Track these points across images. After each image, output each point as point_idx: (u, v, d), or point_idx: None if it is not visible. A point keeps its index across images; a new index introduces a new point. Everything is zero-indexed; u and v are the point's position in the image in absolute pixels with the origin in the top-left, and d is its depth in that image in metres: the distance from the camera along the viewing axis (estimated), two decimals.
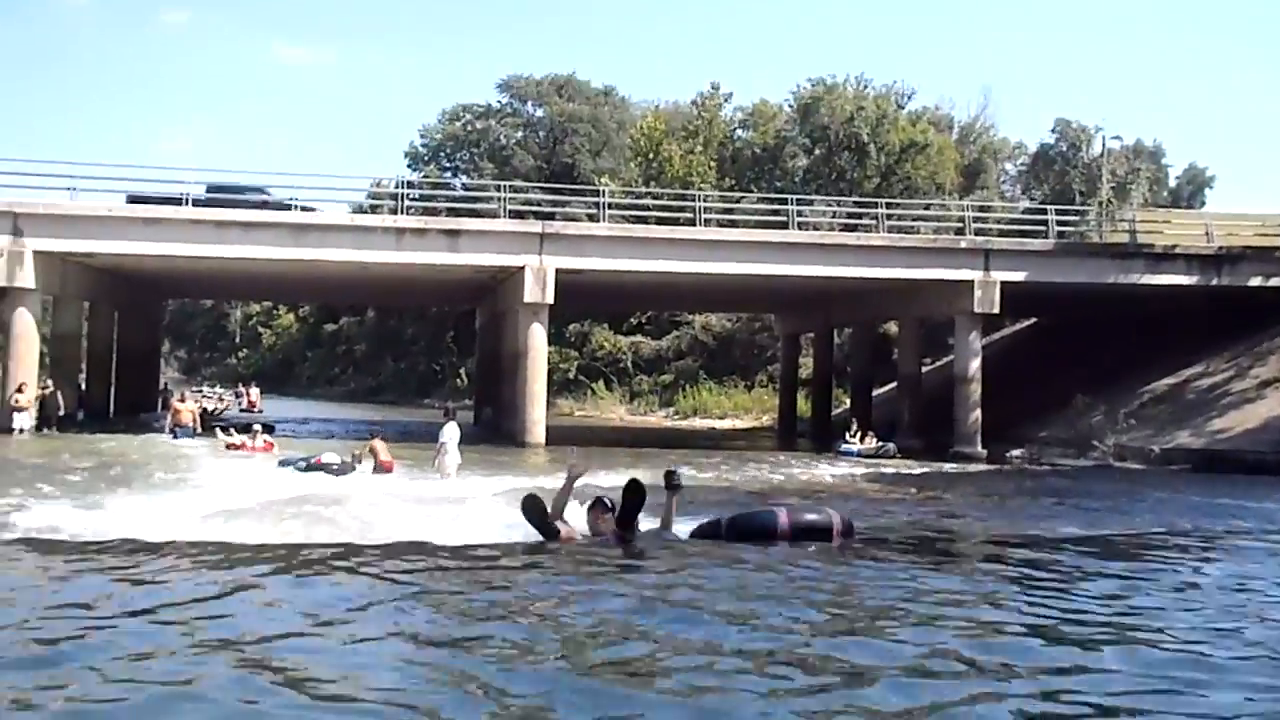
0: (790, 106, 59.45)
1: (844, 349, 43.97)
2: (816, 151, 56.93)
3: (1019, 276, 30.53)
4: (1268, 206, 64.16)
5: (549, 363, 32.24)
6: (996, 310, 30.89)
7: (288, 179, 46.19)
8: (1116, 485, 22.58)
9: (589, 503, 11.09)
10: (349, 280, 36.83)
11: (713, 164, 59.00)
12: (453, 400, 47.18)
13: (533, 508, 10.99)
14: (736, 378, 52.72)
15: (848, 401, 39.56)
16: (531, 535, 11.15)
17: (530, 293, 28.91)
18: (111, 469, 19.20)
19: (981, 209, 37.43)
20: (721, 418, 48.38)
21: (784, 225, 32.48)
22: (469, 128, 77.84)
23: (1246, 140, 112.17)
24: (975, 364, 30.79)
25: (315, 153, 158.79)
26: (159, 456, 22.55)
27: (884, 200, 36.86)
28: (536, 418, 29.38)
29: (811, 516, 11.19)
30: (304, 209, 30.31)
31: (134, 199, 29.53)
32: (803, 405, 42.90)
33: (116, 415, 35.73)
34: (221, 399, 45.81)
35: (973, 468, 26.78)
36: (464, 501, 15.11)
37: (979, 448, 29.80)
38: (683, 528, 11.39)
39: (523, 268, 28.97)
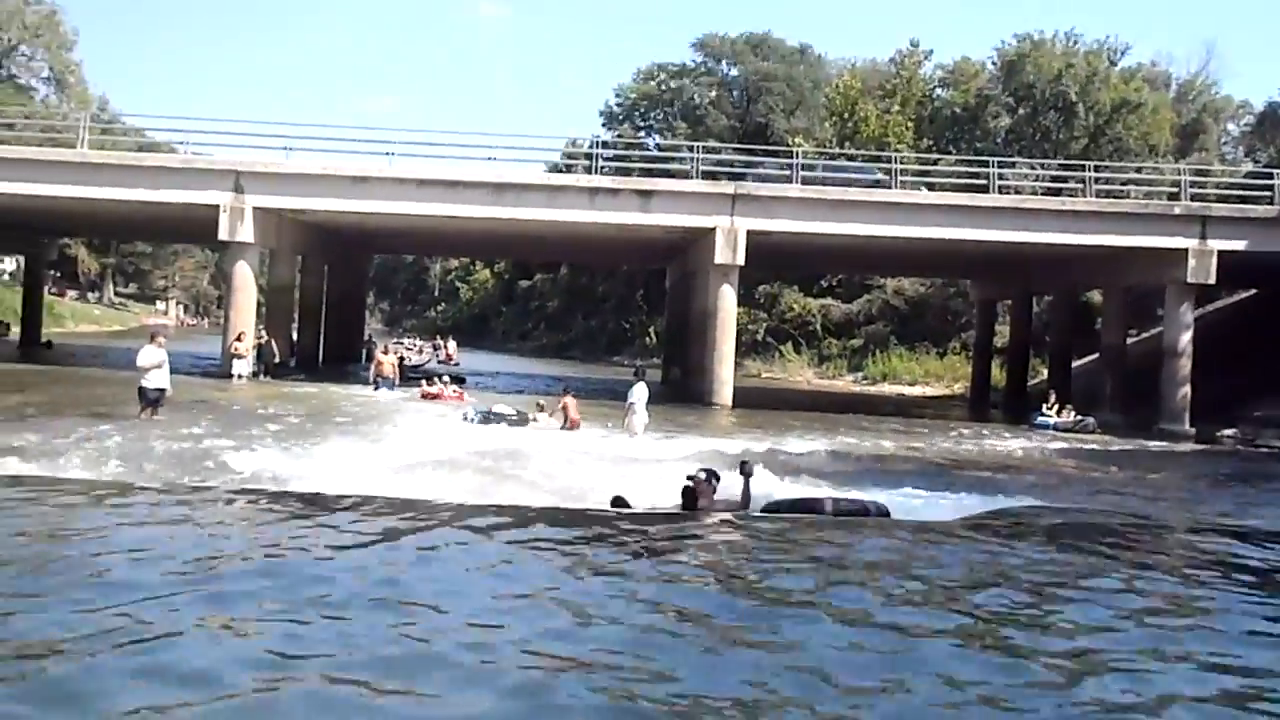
0: (993, 64, 57.44)
1: (1043, 317, 42.33)
2: (1020, 111, 54.90)
3: (1239, 245, 28.69)
4: None
5: (738, 324, 32.19)
6: (1212, 281, 29.13)
7: (486, 139, 47.33)
8: None
9: (696, 474, 11.37)
10: (543, 238, 37.58)
11: (910, 124, 57.54)
12: (641, 359, 47.78)
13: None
14: (928, 344, 51.45)
15: (1044, 372, 38.16)
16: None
17: (721, 254, 28.92)
18: (318, 417, 20.28)
19: (1199, 173, 35.28)
20: (911, 384, 47.44)
21: (984, 188, 31.41)
22: (663, 87, 78.05)
23: None
24: (1186, 337, 29.19)
25: (513, 111, 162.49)
26: (361, 407, 23.67)
27: (1092, 163, 35.17)
28: (724, 378, 29.46)
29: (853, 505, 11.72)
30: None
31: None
32: (997, 375, 41.58)
33: (325, 364, 37.60)
34: (421, 351, 47.57)
35: (1180, 447, 25.46)
36: (649, 463, 15.32)
37: (1187, 426, 28.32)
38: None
39: (714, 229, 28.97)
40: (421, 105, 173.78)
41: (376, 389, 28.26)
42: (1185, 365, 28.99)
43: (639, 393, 19.68)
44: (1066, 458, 21.41)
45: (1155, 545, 11.25)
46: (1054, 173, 41.58)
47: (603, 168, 32.93)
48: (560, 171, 38.60)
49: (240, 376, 28.85)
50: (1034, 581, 8.31)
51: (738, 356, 32.22)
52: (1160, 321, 32.63)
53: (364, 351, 43.70)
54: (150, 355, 17.90)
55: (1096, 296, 38.67)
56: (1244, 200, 31.88)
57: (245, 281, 30.33)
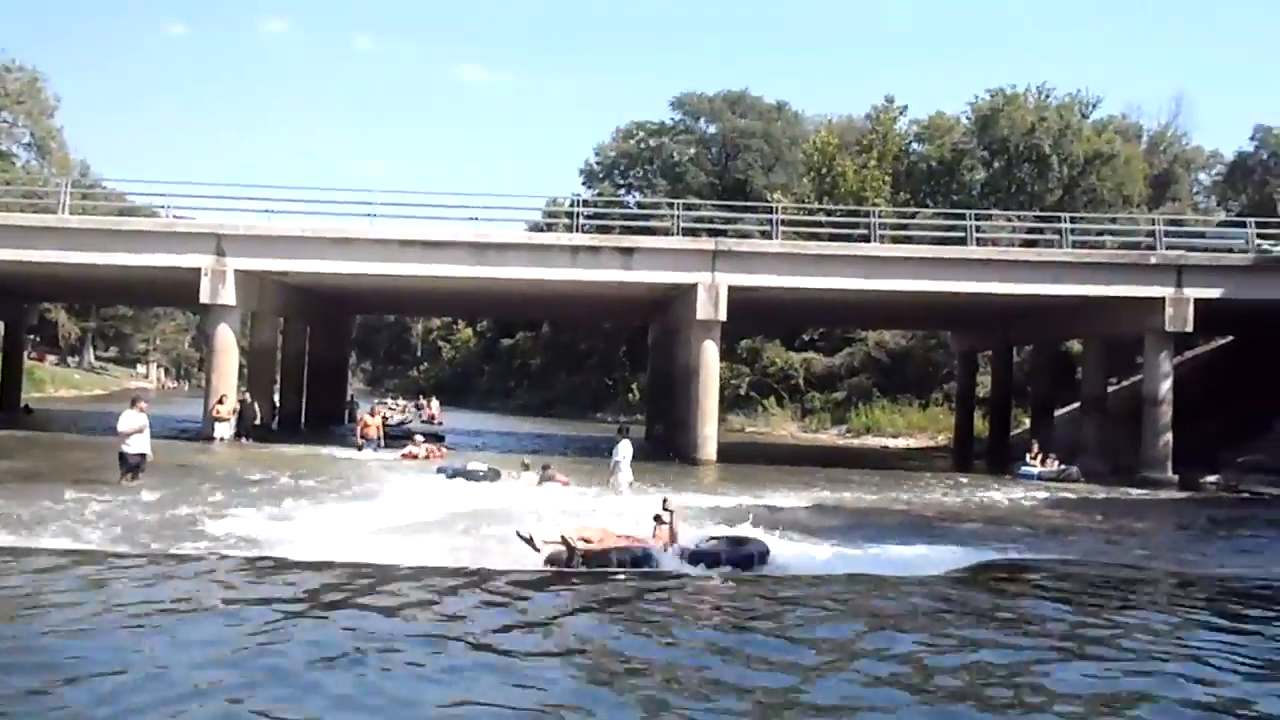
0: (968, 118, 58.09)
1: (1023, 367, 42.52)
2: (995, 164, 55.49)
3: (1214, 293, 28.98)
4: None
5: (720, 378, 32.23)
6: (1190, 329, 29.39)
7: (467, 199, 47.57)
8: None
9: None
10: (525, 296, 37.66)
11: (887, 178, 58.03)
12: (624, 415, 47.75)
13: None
14: (911, 395, 51.54)
15: (1027, 422, 38.25)
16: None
17: (703, 310, 29.03)
18: (301, 480, 20.12)
19: (1173, 222, 35.71)
20: (895, 437, 47.45)
21: (961, 241, 31.68)
22: (642, 145, 78.64)
23: None
24: (1166, 385, 29.36)
25: (495, 170, 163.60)
26: (345, 468, 23.52)
27: (1067, 214, 35.51)
28: (708, 434, 29.44)
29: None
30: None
31: None
32: (980, 425, 41.69)
33: (308, 425, 37.44)
34: (405, 410, 47.47)
35: (1163, 494, 25.54)
36: (635, 522, 15.21)
37: (1169, 473, 28.42)
38: None
39: (695, 285, 29.12)
40: (405, 168, 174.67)
41: (361, 450, 28.13)
42: (1166, 413, 29.13)
43: (623, 450, 19.68)
44: (1051, 508, 21.43)
45: (1143, 596, 11.25)
46: (1030, 224, 41.95)
47: (583, 226, 33.07)
48: (541, 230, 38.70)
49: (222, 439, 28.68)
50: (1022, 638, 8.29)
51: (720, 411, 32.20)
52: (1140, 370, 32.86)
53: (346, 412, 43.60)
54: (131, 420, 17.82)
55: (1076, 346, 38.94)
56: (1218, 248, 32.22)
57: (227, 344, 30.25)
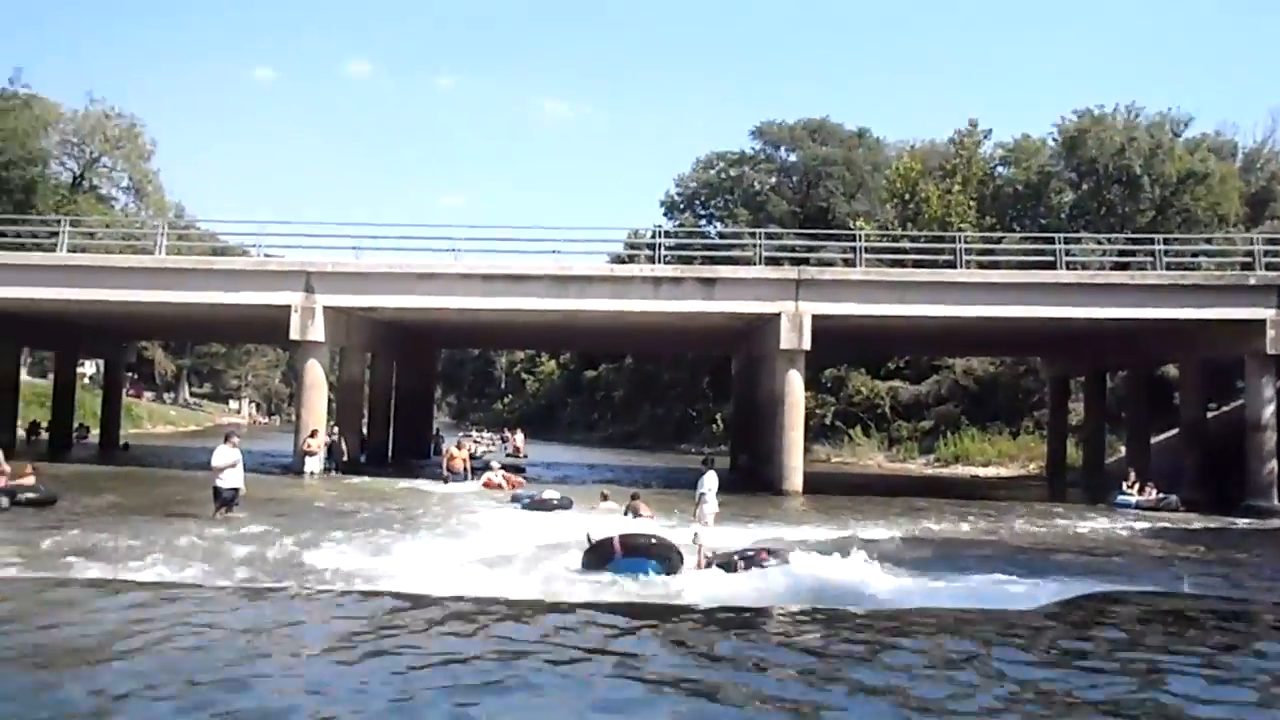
0: (1054, 140, 57.11)
1: (1117, 393, 41.47)
2: (1084, 186, 54.43)
3: None
4: None
5: (805, 408, 31.93)
6: None
7: (549, 232, 48.17)
8: None
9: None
10: (608, 328, 37.78)
11: (972, 203, 57.27)
12: (708, 446, 47.54)
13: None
14: (1000, 423, 50.52)
15: (1122, 449, 37.27)
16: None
17: (786, 339, 28.82)
18: (392, 513, 20.37)
19: (1272, 241, 34.62)
20: (985, 465, 46.53)
21: (1050, 265, 31.09)
22: (723, 175, 78.66)
23: None
24: (1270, 409, 28.39)
25: (575, 203, 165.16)
26: (433, 502, 23.72)
27: (1161, 235, 34.61)
28: (794, 465, 29.14)
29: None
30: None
31: None
32: (1073, 453, 40.72)
33: (394, 458, 37.88)
34: (490, 443, 47.98)
35: (1269, 524, 24.60)
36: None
37: (1275, 501, 27.42)
38: None
39: (779, 314, 28.93)
40: (485, 202, 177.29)
41: (447, 482, 28.37)
42: (1270, 438, 28.16)
43: (709, 482, 19.46)
44: (1151, 538, 20.78)
45: (1252, 630, 10.80)
46: (1121, 247, 41.03)
47: (665, 257, 33.12)
48: (623, 262, 38.83)
49: (312, 473, 29.16)
50: (1126, 675, 8.00)
51: (805, 441, 31.82)
52: (1241, 394, 31.80)
53: (432, 445, 44.06)
54: (225, 455, 18.20)
55: (1173, 370, 37.86)
56: None
57: (317, 379, 30.78)
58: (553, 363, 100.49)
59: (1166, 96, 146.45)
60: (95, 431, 45.95)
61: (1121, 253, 39.76)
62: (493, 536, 16.72)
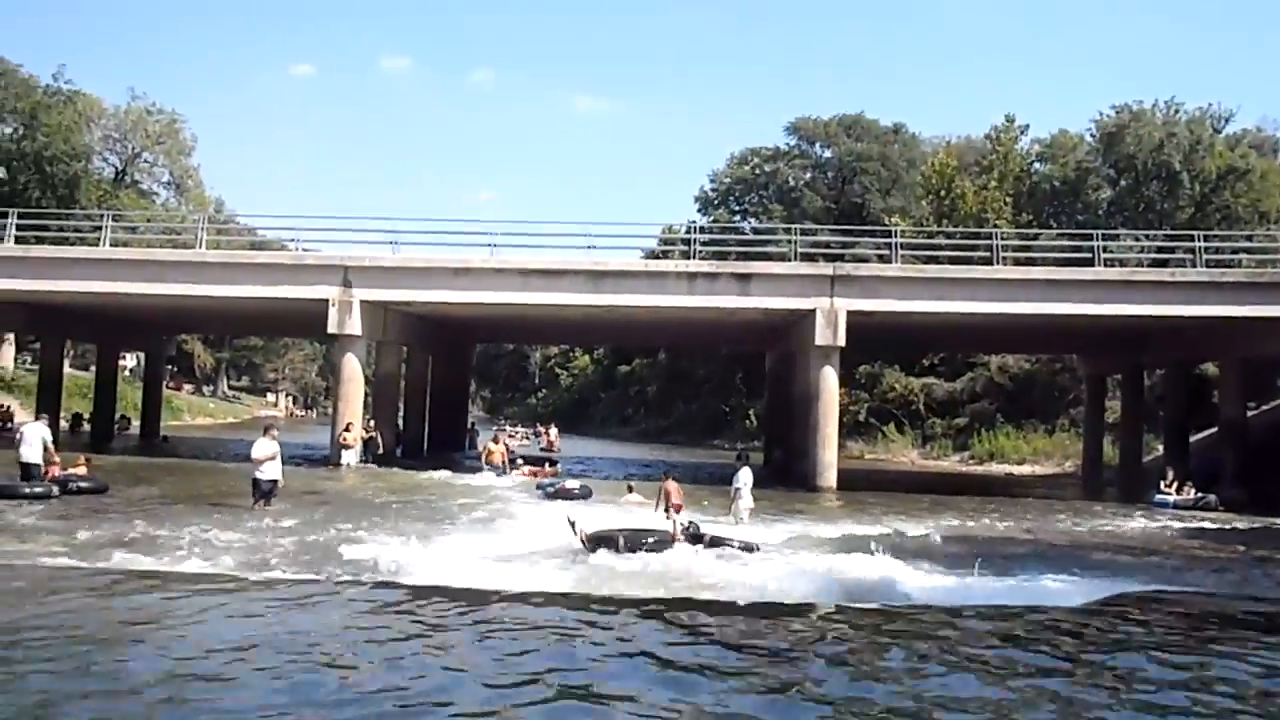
0: (1092, 136, 56.60)
1: (1155, 391, 41.05)
2: (1122, 182, 53.91)
3: None
4: None
5: (839, 404, 31.83)
6: None
7: (584, 227, 48.55)
8: None
9: None
10: (642, 323, 37.82)
11: (1008, 199, 56.87)
12: (741, 442, 47.48)
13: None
14: (1036, 421, 50.14)
15: (1160, 448, 36.91)
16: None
17: (821, 335, 28.76)
18: (428, 506, 20.53)
19: None
20: (1020, 463, 46.20)
21: (1087, 262, 30.84)
22: (757, 171, 78.50)
23: None
24: None
25: (609, 199, 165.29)
26: (469, 495, 23.86)
27: (1200, 232, 34.23)
28: (828, 461, 29.08)
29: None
30: None
31: None
32: (1109, 451, 40.36)
33: (429, 452, 38.09)
34: (526, 438, 48.30)
35: None
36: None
37: None
38: None
39: (813, 310, 28.88)
40: (520, 198, 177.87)
41: (487, 475, 28.58)
42: None
43: (744, 477, 19.46)
44: (1190, 538, 20.60)
45: None
46: (1160, 244, 40.63)
47: (700, 252, 33.12)
48: (657, 257, 38.90)
49: (349, 465, 29.41)
50: (1165, 675, 7.97)
51: (839, 438, 31.70)
52: None
53: (467, 439, 44.31)
54: (264, 448, 18.45)
55: (1212, 368, 37.46)
56: None
57: (353, 373, 31.03)
58: (586, 357, 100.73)
59: (1207, 92, 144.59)
60: (136, 423, 46.55)
61: (1160, 249, 39.41)
62: (528, 529, 16.80)
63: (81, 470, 20.98)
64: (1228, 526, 22.99)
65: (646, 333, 46.56)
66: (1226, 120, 55.04)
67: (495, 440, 31.92)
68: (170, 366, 67.67)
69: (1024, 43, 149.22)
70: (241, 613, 9.74)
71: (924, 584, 12.24)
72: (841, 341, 28.89)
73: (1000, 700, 7.13)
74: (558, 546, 14.65)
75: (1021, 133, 61.90)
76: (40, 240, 32.73)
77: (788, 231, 34.91)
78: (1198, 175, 51.18)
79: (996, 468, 46.05)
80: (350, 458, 29.74)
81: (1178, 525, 22.81)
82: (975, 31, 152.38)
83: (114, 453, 32.17)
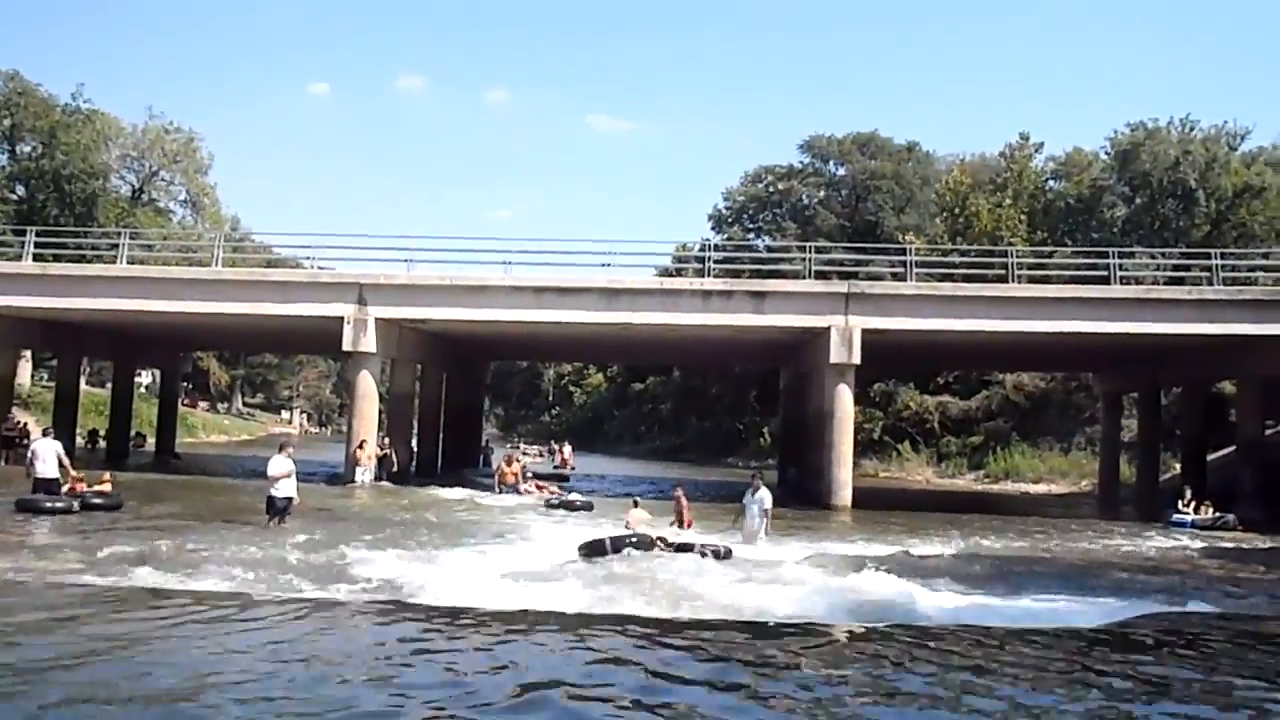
0: (1107, 154, 56.56)
1: (1171, 410, 40.84)
2: (1137, 200, 53.82)
3: None
4: None
5: (853, 422, 31.72)
6: None
7: (599, 245, 48.68)
8: None
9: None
10: (656, 341, 37.81)
11: (1023, 217, 56.78)
12: (755, 460, 47.36)
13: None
14: (1051, 440, 49.94)
15: (1177, 467, 36.68)
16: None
17: (836, 353, 28.71)
18: (441, 524, 20.50)
19: None
20: (1036, 482, 45.98)
21: (1103, 280, 30.73)
22: (771, 189, 78.54)
23: None
24: None
25: (623, 217, 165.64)
26: (484, 513, 23.86)
27: (1217, 250, 34.10)
28: (843, 479, 28.98)
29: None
30: None
31: None
32: (1125, 471, 40.15)
33: (443, 469, 38.10)
34: (540, 456, 48.30)
35: None
36: (771, 568, 15.04)
37: None
38: None
39: (828, 328, 28.83)
40: (535, 216, 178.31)
41: (501, 494, 28.59)
42: None
43: (764, 497, 19.25)
44: (1209, 557, 20.43)
45: None
46: (1176, 262, 40.49)
47: (714, 270, 33.13)
48: (671, 275, 38.91)
49: (363, 483, 29.42)
50: (1186, 698, 7.88)
51: (854, 456, 31.61)
52: None
53: (481, 456, 44.29)
54: (280, 465, 18.47)
55: (1229, 387, 37.24)
56: None
57: (368, 390, 31.07)
58: (600, 375, 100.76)
59: (1222, 110, 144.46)
60: (151, 440, 46.67)
61: (1176, 267, 39.25)
62: (541, 548, 16.77)
63: (106, 487, 21.23)
64: (1247, 546, 22.82)
65: (660, 350, 46.56)
66: (1242, 138, 55.01)
67: (508, 462, 31.79)
68: (185, 383, 67.89)
69: (1038, 61, 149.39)
70: (254, 630, 9.71)
71: (940, 604, 12.16)
72: (856, 359, 28.83)
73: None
74: (568, 564, 14.63)
75: (1036, 150, 61.92)
76: (58, 258, 32.93)
77: (802, 249, 34.93)
78: (1213, 193, 51.06)
79: (1012, 486, 45.85)
80: (364, 475, 29.75)
81: (1196, 545, 22.63)
82: (989, 49, 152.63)
83: (129, 469, 32.24)
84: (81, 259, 34.70)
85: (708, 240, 70.93)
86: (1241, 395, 33.26)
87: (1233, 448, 33.53)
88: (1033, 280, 32.83)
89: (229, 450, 54.76)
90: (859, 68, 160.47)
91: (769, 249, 63.68)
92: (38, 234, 32.80)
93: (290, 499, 18.62)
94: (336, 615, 10.71)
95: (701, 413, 78.08)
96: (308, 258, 35.19)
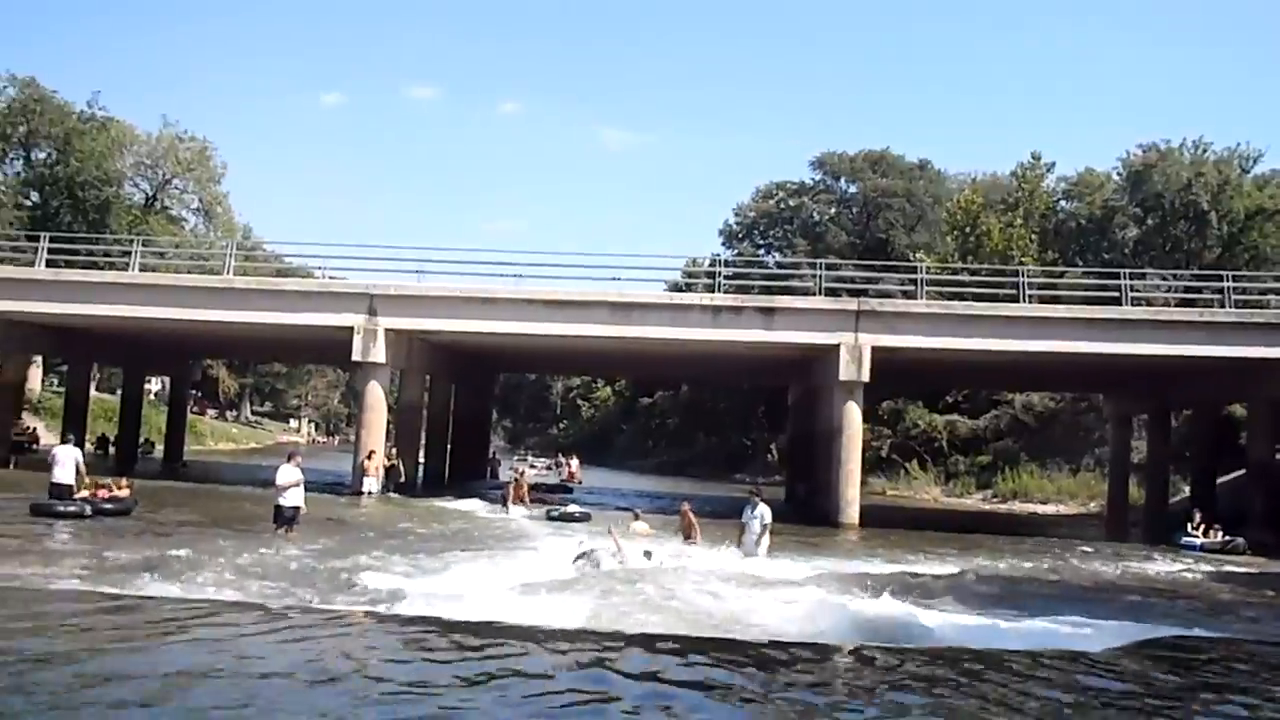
0: (1119, 175, 56.50)
1: (1181, 432, 40.68)
2: (1149, 221, 53.73)
3: None
4: None
5: (861, 440, 31.62)
6: None
7: (609, 259, 48.81)
8: None
9: None
10: (665, 356, 37.80)
11: (1034, 237, 56.67)
12: (762, 476, 47.25)
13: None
14: (1060, 460, 49.74)
15: (1186, 490, 36.52)
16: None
17: (845, 370, 28.66)
18: (447, 535, 20.49)
19: None
20: (1044, 503, 45.81)
21: (1114, 300, 30.66)
22: (782, 205, 78.58)
23: None
24: None
25: (634, 231, 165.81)
26: (490, 526, 23.85)
27: (1229, 272, 33.99)
28: (851, 497, 28.89)
29: None
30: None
31: None
32: (1134, 493, 39.97)
33: (451, 481, 38.07)
34: (547, 469, 48.35)
35: None
36: (776, 584, 14.99)
37: None
38: None
39: (837, 345, 28.79)
40: (546, 229, 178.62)
41: (506, 510, 28.45)
42: None
43: (763, 513, 19.20)
44: (1218, 581, 20.31)
45: None
46: (1187, 283, 40.40)
47: (724, 286, 33.14)
48: (681, 290, 38.92)
49: (370, 494, 29.39)
50: None
51: (862, 474, 31.54)
52: None
53: (489, 469, 44.25)
54: (288, 474, 18.48)
55: (1240, 409, 37.08)
56: None
57: (377, 401, 31.06)
58: (608, 389, 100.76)
59: (1235, 132, 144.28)
60: (160, 448, 46.74)
61: (1188, 289, 39.16)
62: (546, 561, 16.72)
63: (125, 493, 21.85)
64: (1257, 570, 22.70)
65: (669, 365, 46.53)
66: (1255, 160, 54.91)
67: (517, 484, 31.19)
68: (194, 391, 68.04)
69: (1051, 81, 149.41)
70: (255, 639, 9.67)
71: (948, 624, 12.08)
72: (865, 377, 28.78)
73: None
74: (571, 578, 14.62)
75: (1047, 170, 61.77)
76: (71, 264, 33.02)
77: (812, 266, 34.89)
78: (1226, 215, 50.98)
79: (1020, 506, 45.70)
80: (372, 486, 29.70)
81: (1205, 568, 22.51)
82: (1001, 68, 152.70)
83: (137, 476, 32.23)
84: (94, 266, 34.80)
85: (718, 255, 71.07)
86: (1252, 418, 33.13)
87: (1243, 471, 33.36)
88: (1043, 300, 32.78)
89: (236, 459, 54.78)
90: (871, 85, 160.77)
91: (779, 265, 63.70)
92: (51, 240, 32.91)
93: (298, 508, 18.63)
94: (340, 625, 10.68)
95: (709, 428, 78.01)
96: (319, 267, 35.37)
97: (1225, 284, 30.82)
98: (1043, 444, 51.58)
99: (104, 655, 8.64)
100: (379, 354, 30.18)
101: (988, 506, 46.73)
